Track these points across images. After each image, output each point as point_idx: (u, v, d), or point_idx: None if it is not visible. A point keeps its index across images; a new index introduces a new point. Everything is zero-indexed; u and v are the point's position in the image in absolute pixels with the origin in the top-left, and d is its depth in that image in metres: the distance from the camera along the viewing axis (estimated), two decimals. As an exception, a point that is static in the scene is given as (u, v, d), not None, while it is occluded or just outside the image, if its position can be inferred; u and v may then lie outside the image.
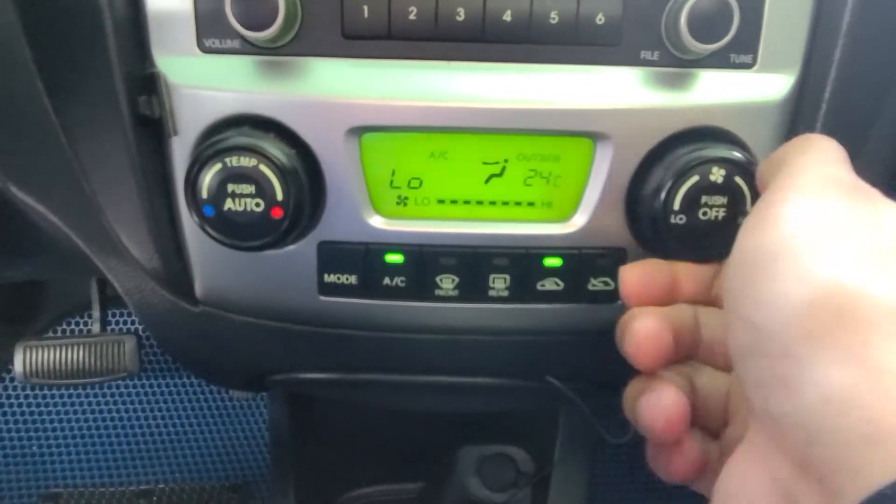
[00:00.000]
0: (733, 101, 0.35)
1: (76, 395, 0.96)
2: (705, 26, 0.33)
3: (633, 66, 0.35)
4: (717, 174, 0.33)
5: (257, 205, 0.33)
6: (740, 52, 0.35)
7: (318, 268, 0.37)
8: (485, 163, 0.36)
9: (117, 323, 0.95)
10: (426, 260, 0.37)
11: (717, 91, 0.35)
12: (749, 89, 0.36)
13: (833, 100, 0.36)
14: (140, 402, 0.97)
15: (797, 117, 0.36)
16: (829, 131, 0.36)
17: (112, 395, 0.97)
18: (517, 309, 0.39)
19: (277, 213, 0.33)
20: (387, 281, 0.38)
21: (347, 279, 0.38)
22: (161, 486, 0.97)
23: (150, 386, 0.97)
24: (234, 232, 0.34)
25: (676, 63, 0.35)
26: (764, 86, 0.36)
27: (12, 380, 0.94)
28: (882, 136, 0.38)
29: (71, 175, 0.37)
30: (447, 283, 0.38)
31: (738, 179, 0.34)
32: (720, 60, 0.35)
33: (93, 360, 0.81)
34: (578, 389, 0.46)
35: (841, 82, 0.36)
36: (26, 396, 0.95)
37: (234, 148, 0.33)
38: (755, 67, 0.36)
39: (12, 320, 0.94)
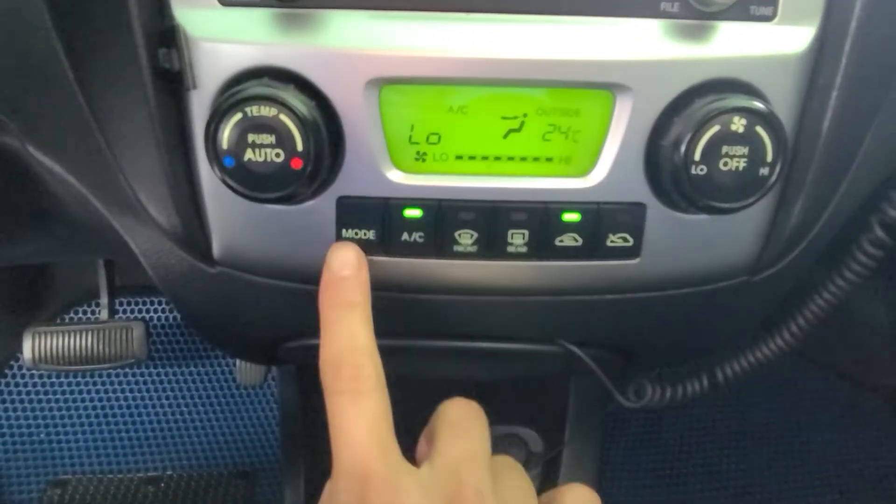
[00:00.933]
0: (753, 54, 0.35)
1: (84, 383, 0.97)
2: (725, -23, 0.33)
3: (654, 18, 0.35)
4: (738, 123, 0.33)
5: (277, 155, 0.33)
6: (760, 4, 0.35)
7: (336, 223, 0.37)
8: (503, 118, 0.36)
9: (124, 312, 0.95)
10: (445, 214, 0.37)
11: (737, 43, 0.35)
12: (769, 42, 0.36)
13: (853, 53, 0.36)
14: (148, 390, 0.97)
15: (817, 70, 0.36)
16: (849, 84, 0.36)
17: (120, 382, 0.97)
18: (535, 266, 0.39)
19: (298, 164, 0.33)
20: (405, 236, 0.38)
21: (366, 234, 0.37)
22: (169, 472, 0.97)
23: (159, 374, 0.97)
24: (255, 183, 0.34)
25: (696, 15, 0.35)
26: (784, 38, 0.36)
27: (20, 367, 0.94)
28: (902, 91, 0.38)
29: (89, 134, 0.37)
30: (465, 238, 0.38)
31: (759, 129, 0.33)
32: (740, 12, 0.35)
33: (101, 346, 0.82)
34: (592, 356, 0.46)
35: (861, 35, 0.36)
36: (34, 384, 0.95)
37: (255, 97, 0.33)
38: (775, 20, 0.36)
39: (19, 309, 0.94)
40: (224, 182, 0.34)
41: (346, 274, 0.36)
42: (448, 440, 0.34)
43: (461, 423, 0.36)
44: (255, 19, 0.35)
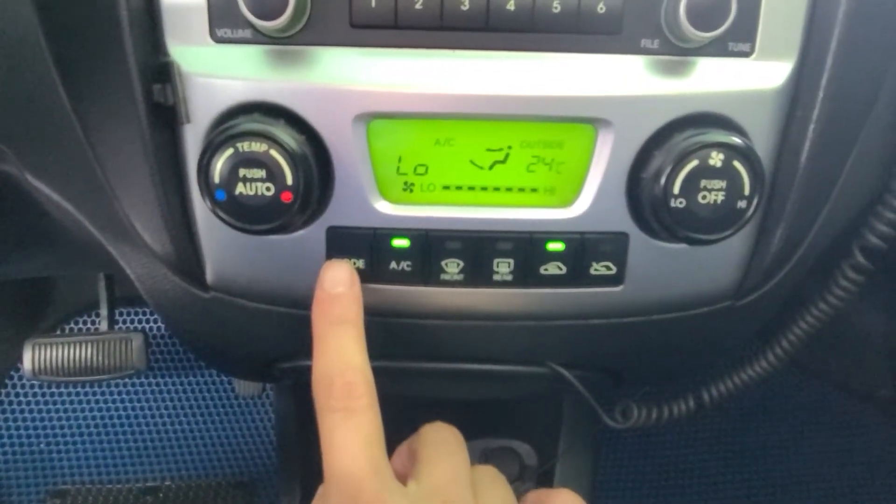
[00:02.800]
0: (732, 89, 0.36)
1: (84, 393, 0.97)
2: (703, 15, 0.34)
3: (634, 55, 0.36)
4: (717, 158, 0.34)
5: (268, 189, 0.34)
6: (738, 40, 0.36)
7: (326, 252, 0.38)
8: (489, 150, 0.37)
9: (124, 322, 0.96)
10: (432, 244, 0.38)
11: (715, 79, 0.36)
12: (747, 77, 0.36)
13: (830, 87, 0.37)
14: (147, 400, 0.98)
15: (795, 104, 0.37)
16: (827, 118, 0.37)
17: (119, 392, 0.98)
18: (521, 293, 0.40)
19: (287, 197, 0.34)
20: (393, 265, 0.38)
21: (355, 263, 0.38)
22: (168, 482, 0.97)
23: (157, 384, 0.98)
24: (246, 216, 0.35)
25: (676, 51, 0.36)
26: (762, 73, 0.37)
27: (21, 378, 0.95)
28: (879, 124, 0.39)
29: (86, 164, 0.38)
30: (452, 267, 0.39)
31: (736, 163, 0.34)
32: (719, 49, 0.36)
33: (101, 357, 0.82)
34: (580, 377, 0.47)
35: (837, 70, 0.36)
36: (35, 394, 0.96)
37: (246, 133, 0.34)
38: (753, 55, 0.37)
39: (21, 319, 0.95)
40: (216, 214, 0.35)
41: (339, 291, 0.37)
42: (432, 461, 0.36)
43: (442, 445, 0.37)
44: (247, 56, 0.36)
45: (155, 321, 0.96)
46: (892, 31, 0.37)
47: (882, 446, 0.97)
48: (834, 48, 0.36)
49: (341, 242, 0.38)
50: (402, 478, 0.35)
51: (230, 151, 0.34)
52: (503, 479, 0.38)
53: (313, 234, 0.38)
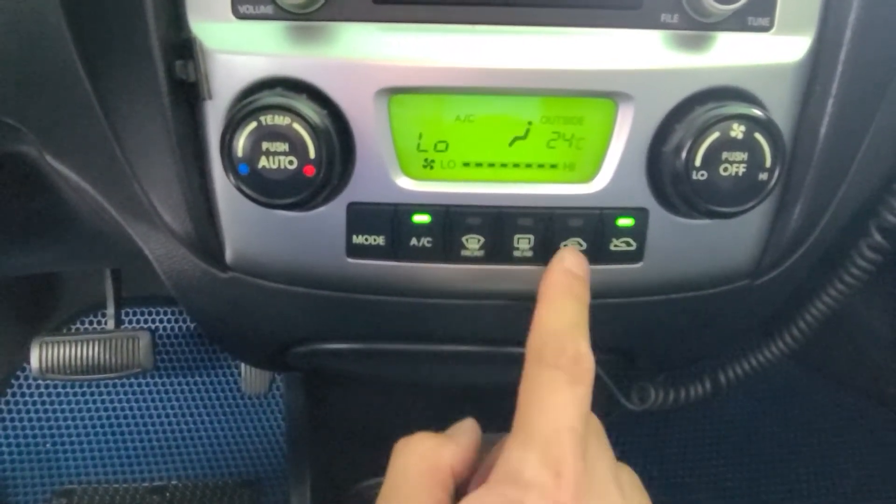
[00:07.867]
0: (751, 63, 0.36)
1: (91, 393, 0.97)
2: (723, -11, 0.34)
3: (654, 29, 0.36)
4: (738, 130, 0.34)
5: (290, 162, 0.34)
6: (757, 14, 0.36)
7: (346, 229, 0.38)
8: (509, 126, 0.37)
9: (130, 321, 0.96)
10: (452, 220, 0.38)
11: (735, 53, 0.36)
12: (766, 51, 0.37)
13: (849, 61, 0.37)
14: (154, 399, 0.98)
15: (814, 78, 0.37)
16: (846, 92, 0.37)
17: (126, 392, 0.98)
18: (541, 270, 0.40)
19: (310, 171, 0.34)
20: (414, 242, 0.38)
21: (375, 240, 0.38)
22: (174, 482, 0.97)
23: (164, 383, 0.98)
24: (268, 190, 0.35)
25: (695, 26, 0.36)
26: (781, 48, 0.37)
27: (27, 377, 0.95)
28: (896, 100, 0.39)
29: (105, 143, 0.38)
30: (473, 243, 0.39)
31: (757, 135, 0.34)
32: (738, 23, 0.36)
33: (108, 355, 0.83)
34: (595, 360, 0.47)
35: (856, 44, 0.37)
36: (41, 394, 0.96)
37: (269, 107, 0.34)
38: (772, 30, 0.37)
39: (28, 319, 0.95)
40: (239, 189, 0.35)
41: (580, 274, 0.37)
42: (598, 456, 0.34)
43: (601, 436, 0.36)
44: (269, 32, 0.36)
45: (161, 321, 0.97)
46: (910, 5, 0.38)
47: (891, 445, 0.96)
48: (852, 23, 0.36)
49: (362, 219, 0.38)
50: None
51: (253, 125, 0.34)
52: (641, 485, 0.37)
53: (334, 211, 0.38)
